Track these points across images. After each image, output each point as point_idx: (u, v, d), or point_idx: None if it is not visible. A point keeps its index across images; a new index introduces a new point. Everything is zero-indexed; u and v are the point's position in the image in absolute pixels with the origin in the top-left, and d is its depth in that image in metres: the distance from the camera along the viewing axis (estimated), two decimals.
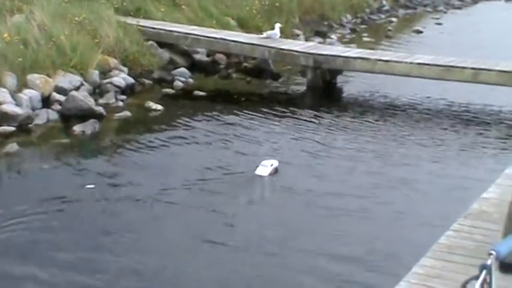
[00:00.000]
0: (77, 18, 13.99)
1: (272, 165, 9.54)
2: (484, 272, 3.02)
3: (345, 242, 7.64)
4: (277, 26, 15.65)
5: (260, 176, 9.38)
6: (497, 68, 13.10)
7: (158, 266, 7.00)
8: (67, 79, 12.50)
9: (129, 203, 8.56)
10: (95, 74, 13.10)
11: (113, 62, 13.78)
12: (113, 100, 12.78)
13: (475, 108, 13.32)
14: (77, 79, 12.63)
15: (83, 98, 11.99)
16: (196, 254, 7.30)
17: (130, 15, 15.92)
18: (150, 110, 12.60)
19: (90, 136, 11.14)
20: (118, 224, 7.99)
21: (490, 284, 3.02)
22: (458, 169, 10.10)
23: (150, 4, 16.70)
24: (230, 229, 7.93)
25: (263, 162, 9.57)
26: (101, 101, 12.60)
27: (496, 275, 5.08)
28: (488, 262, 3.06)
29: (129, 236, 7.67)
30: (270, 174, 9.46)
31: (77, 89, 12.40)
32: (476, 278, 3.03)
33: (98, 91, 12.97)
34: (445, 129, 12.09)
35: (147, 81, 14.20)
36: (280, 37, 15.52)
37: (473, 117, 12.86)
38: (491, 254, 3.12)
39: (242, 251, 7.40)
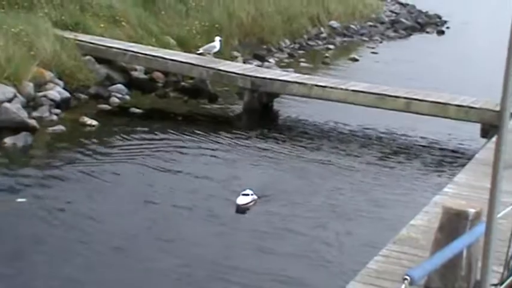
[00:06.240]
0: (13, 29, 13.77)
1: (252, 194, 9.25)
2: None
3: (276, 261, 7.71)
4: (218, 39, 15.76)
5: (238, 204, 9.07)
6: (429, 99, 13.47)
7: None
8: (0, 90, 12.24)
9: (61, 217, 8.45)
10: (29, 87, 12.89)
11: (48, 75, 13.59)
12: (47, 114, 12.58)
13: (406, 138, 13.64)
14: (10, 91, 12.37)
15: (16, 110, 11.76)
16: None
17: (69, 30, 15.76)
18: (84, 125, 12.46)
19: (22, 149, 10.93)
20: (49, 238, 7.87)
21: None
22: (388, 197, 10.29)
23: (89, 19, 16.58)
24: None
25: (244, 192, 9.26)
26: (34, 114, 12.39)
27: None
28: (402, 287, 3.14)
29: (60, 249, 7.56)
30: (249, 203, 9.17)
31: (10, 100, 12.13)
32: None
33: (31, 104, 12.74)
34: (377, 156, 12.33)
35: (83, 96, 14.05)
36: (218, 57, 15.61)
37: (404, 146, 13.17)
38: (405, 279, 3.20)
39: None
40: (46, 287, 6.85)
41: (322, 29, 25.48)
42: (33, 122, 11.83)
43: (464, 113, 13.12)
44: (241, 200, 9.11)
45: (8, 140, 10.97)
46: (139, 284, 7.08)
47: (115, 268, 7.39)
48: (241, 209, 9.04)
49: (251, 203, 9.16)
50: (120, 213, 8.80)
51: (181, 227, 8.59)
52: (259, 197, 9.33)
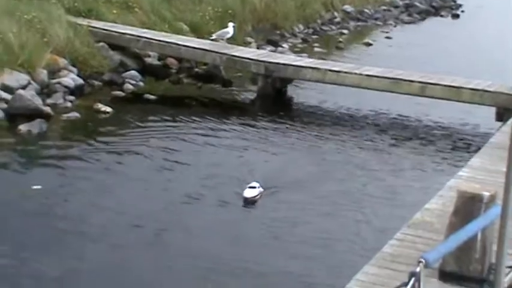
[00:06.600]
0: (26, 16, 13.79)
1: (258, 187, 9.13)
2: (412, 280, 3.11)
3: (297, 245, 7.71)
4: (231, 25, 15.75)
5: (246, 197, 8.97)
6: (444, 83, 13.39)
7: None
8: (14, 77, 12.30)
9: (75, 204, 8.49)
10: (43, 74, 12.93)
11: (62, 62, 13.61)
12: (61, 100, 12.62)
13: (421, 122, 13.58)
14: (24, 78, 12.44)
15: (30, 97, 11.80)
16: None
17: (82, 16, 15.77)
18: (99, 111, 12.48)
19: (37, 136, 10.97)
20: (63, 226, 7.91)
21: None
22: (403, 181, 10.26)
23: (102, 6, 16.55)
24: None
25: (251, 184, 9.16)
26: (48, 101, 12.43)
27: (436, 284, 5.22)
28: (417, 269, 3.15)
29: (76, 237, 7.61)
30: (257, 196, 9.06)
31: (24, 87, 12.20)
32: (406, 285, 3.11)
33: (45, 91, 12.78)
34: (391, 141, 12.28)
35: (96, 83, 14.07)
36: (232, 43, 15.58)
37: (419, 130, 13.11)
38: (420, 261, 3.21)
39: None
40: (54, 276, 6.89)
41: (335, 13, 25.32)
42: (47, 109, 11.87)
43: (479, 96, 13.03)
44: (248, 193, 9.05)
45: (23, 127, 11.02)
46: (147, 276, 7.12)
47: (119, 259, 7.42)
48: (249, 202, 8.99)
49: (258, 196, 9.07)
50: (131, 201, 8.82)
51: (190, 215, 8.62)
52: (269, 188, 9.29)
